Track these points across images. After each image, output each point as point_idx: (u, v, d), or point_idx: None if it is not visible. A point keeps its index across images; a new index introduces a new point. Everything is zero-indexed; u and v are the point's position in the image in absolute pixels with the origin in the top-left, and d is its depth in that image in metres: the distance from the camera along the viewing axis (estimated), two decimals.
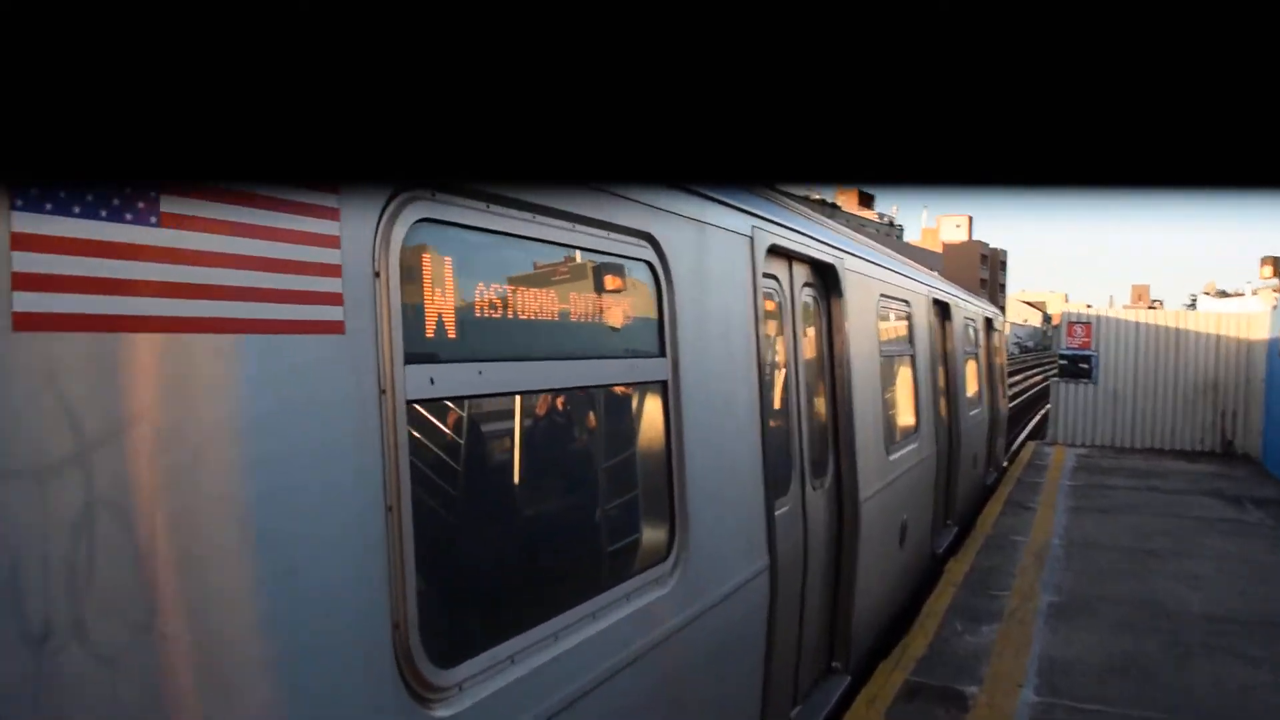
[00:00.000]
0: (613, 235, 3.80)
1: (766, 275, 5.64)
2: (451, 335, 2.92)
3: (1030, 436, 27.77)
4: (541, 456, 3.72)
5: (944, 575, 10.48)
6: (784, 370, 6.20)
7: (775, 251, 5.80)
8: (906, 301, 9.89)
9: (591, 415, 4.01)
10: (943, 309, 12.67)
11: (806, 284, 6.69)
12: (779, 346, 6.13)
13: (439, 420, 3.04)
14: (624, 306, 3.93)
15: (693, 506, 4.27)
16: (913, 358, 10.12)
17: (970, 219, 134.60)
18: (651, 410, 4.20)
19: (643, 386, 4.16)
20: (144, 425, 1.99)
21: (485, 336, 3.11)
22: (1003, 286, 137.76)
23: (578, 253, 3.66)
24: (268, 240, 2.26)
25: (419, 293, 2.82)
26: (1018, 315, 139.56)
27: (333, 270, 2.44)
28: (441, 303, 2.89)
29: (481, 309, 3.08)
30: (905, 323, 9.97)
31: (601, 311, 3.75)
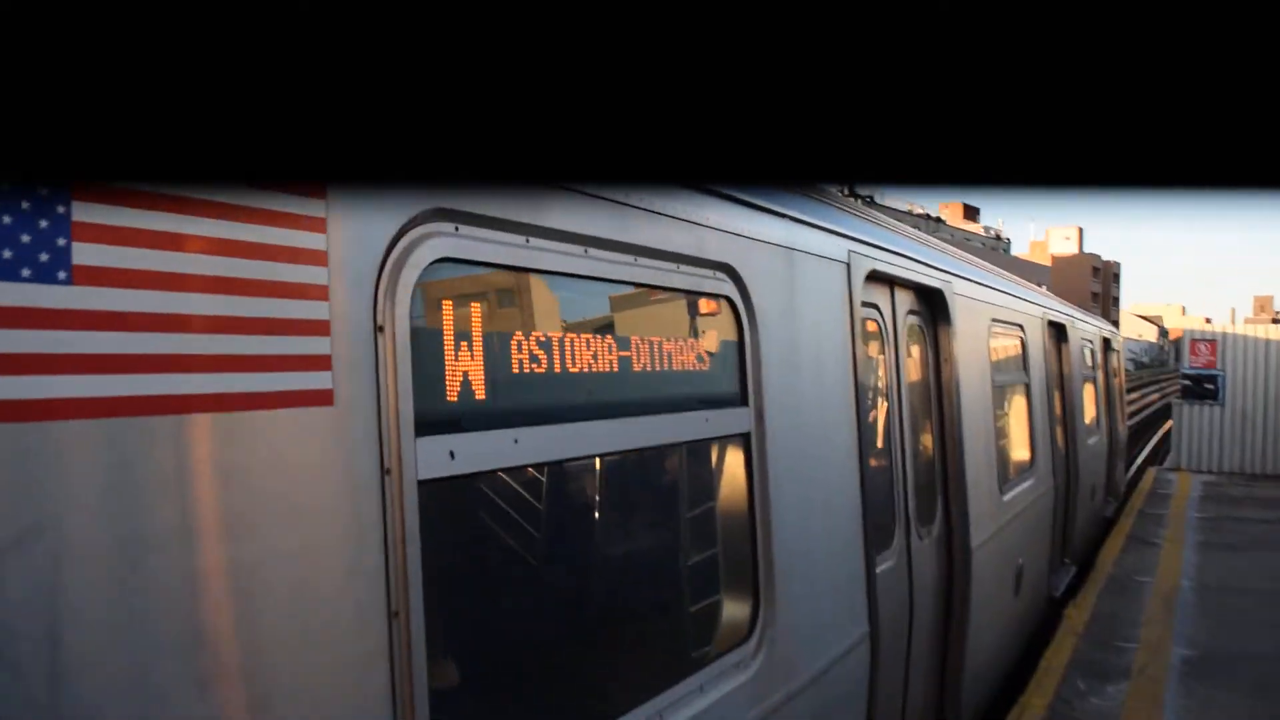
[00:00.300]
0: (684, 268, 3.28)
1: (866, 304, 5.07)
2: (480, 397, 2.43)
3: (1149, 459, 26.37)
4: (594, 534, 3.21)
5: (1063, 623, 9.66)
6: (886, 409, 5.60)
7: (875, 277, 5.22)
8: (1020, 325, 9.16)
9: (656, 479, 3.48)
10: (1058, 331, 11.86)
11: (911, 311, 6.08)
12: (880, 384, 5.53)
13: (463, 499, 2.55)
14: (697, 350, 3.40)
15: (780, 576, 3.71)
16: (1027, 385, 9.37)
17: (1080, 231, 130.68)
18: (731, 467, 3.66)
19: (720, 441, 3.62)
20: (50, 539, 1.54)
21: (523, 396, 2.62)
22: (1116, 300, 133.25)
23: (641, 290, 3.16)
24: (225, 294, 1.80)
25: (436, 348, 2.34)
26: (1132, 330, 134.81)
27: (317, 327, 1.98)
28: (466, 358, 2.41)
29: (519, 363, 2.58)
30: (1018, 348, 9.24)
31: (669, 357, 3.23)
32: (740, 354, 3.64)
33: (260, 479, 1.84)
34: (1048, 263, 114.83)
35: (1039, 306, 10.55)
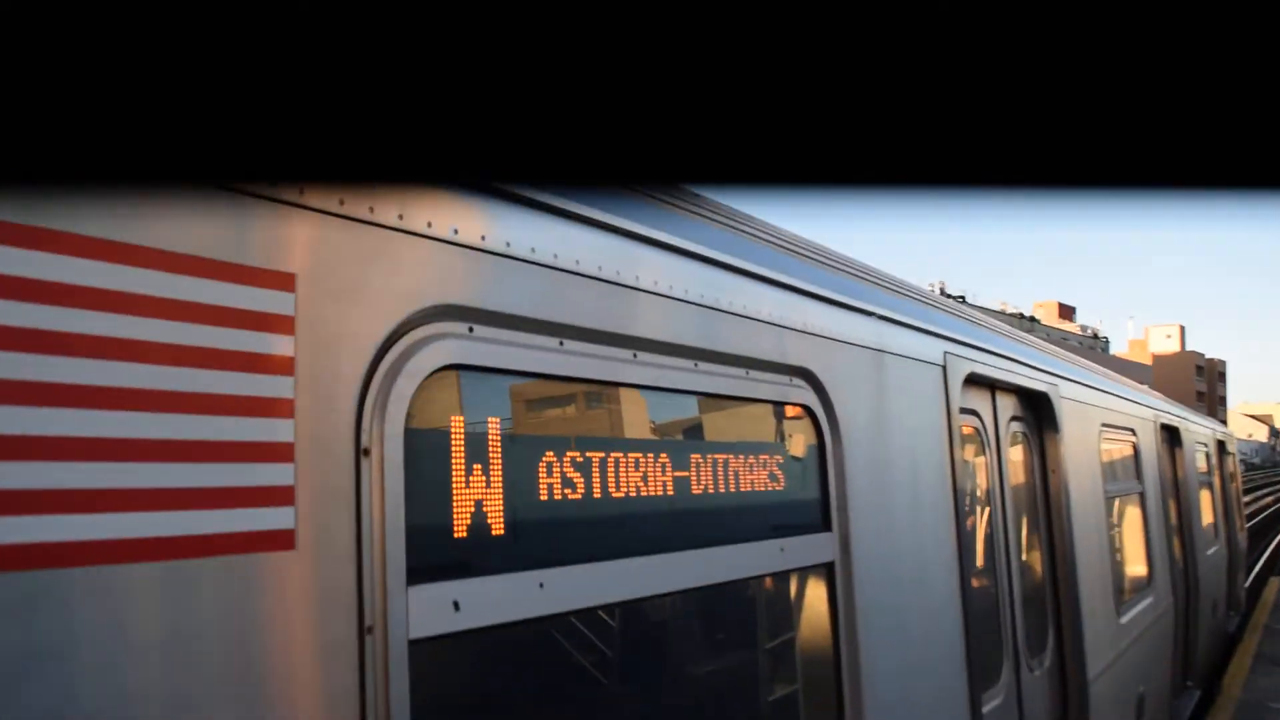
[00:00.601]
0: (755, 374, 2.84)
1: (964, 410, 4.55)
2: (496, 531, 2.00)
3: (1267, 567, 24.76)
4: (642, 698, 2.72)
5: None
6: (989, 526, 5.03)
7: (974, 381, 4.71)
8: (1131, 429, 8.48)
9: (718, 625, 2.98)
10: (1171, 434, 11.07)
11: (1014, 417, 5.53)
12: (982, 498, 4.97)
13: (472, 660, 2.10)
14: (769, 468, 2.94)
15: None
16: (1141, 494, 8.64)
17: (1182, 329, 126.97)
18: (811, 604, 3.15)
19: (798, 573, 3.13)
20: None
21: (553, 529, 2.18)
22: (1223, 399, 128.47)
23: (702, 399, 2.72)
24: (153, 411, 1.41)
25: (441, 472, 1.92)
26: (1241, 430, 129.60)
27: (277, 452, 1.58)
28: (480, 484, 1.98)
29: (549, 488, 2.15)
30: (1130, 453, 8.55)
31: (736, 477, 2.76)
32: (822, 471, 3.16)
33: (186, 646, 1.43)
34: (1148, 361, 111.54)
35: (1150, 409, 9.84)
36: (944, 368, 4.19)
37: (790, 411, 3.08)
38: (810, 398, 3.10)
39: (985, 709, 4.34)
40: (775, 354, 2.92)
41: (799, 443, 3.11)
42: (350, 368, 1.71)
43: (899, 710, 3.41)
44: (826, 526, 3.13)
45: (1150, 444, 9.28)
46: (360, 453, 1.71)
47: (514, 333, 2.04)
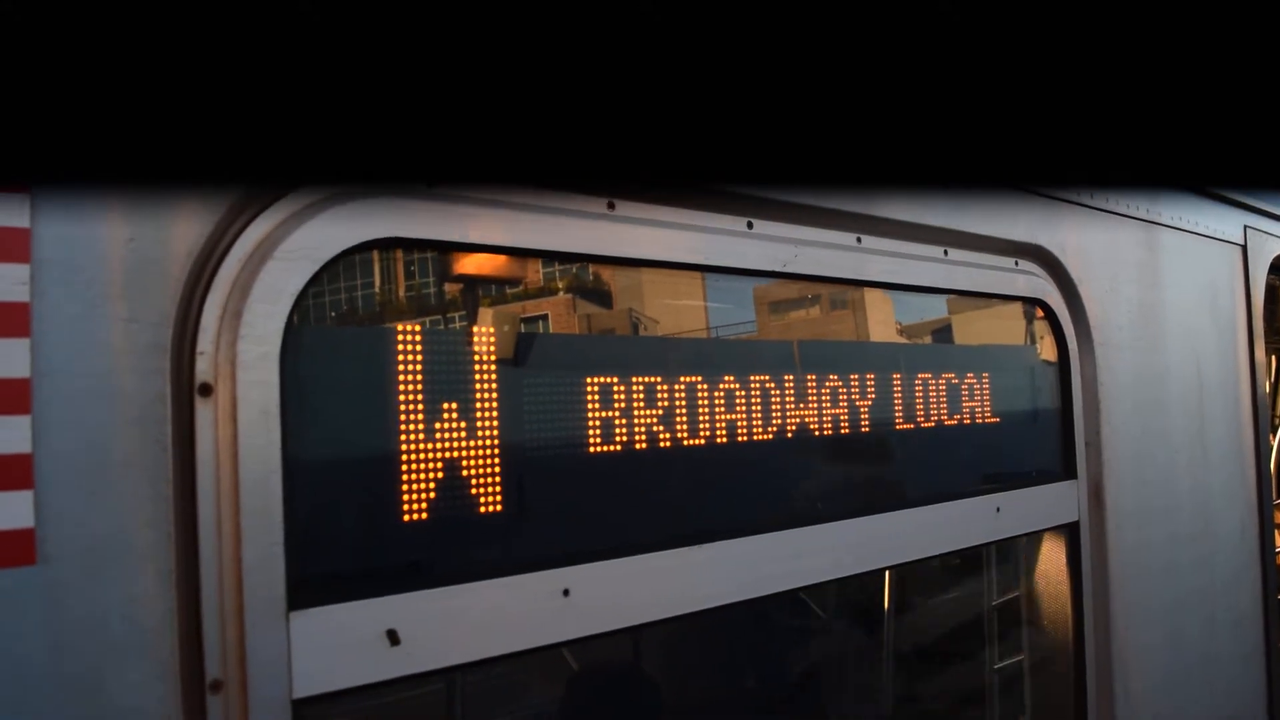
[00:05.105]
0: (957, 254, 1.95)
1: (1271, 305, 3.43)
2: (486, 509, 1.26)
3: None
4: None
5: None
6: None
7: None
8: None
9: (884, 621, 2.13)
10: None
11: None
12: None
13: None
14: (978, 394, 2.04)
15: None
16: None
17: None
18: (1044, 585, 2.26)
19: (1021, 541, 2.23)
20: None
21: (582, 501, 1.41)
22: None
23: (865, 293, 1.86)
24: None
25: (365, 418, 1.19)
26: None
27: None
28: (450, 434, 1.24)
29: (597, 430, 1.38)
30: None
31: (924, 408, 1.89)
32: (1063, 393, 2.24)
33: None
34: None
35: None
36: (1244, 247, 3.08)
37: (1012, 311, 2.17)
38: (1045, 288, 2.17)
39: None
40: (991, 224, 2.02)
41: (1027, 354, 2.20)
42: (168, 244, 1.00)
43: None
44: (1068, 473, 2.21)
45: None
46: (193, 392, 1.00)
47: (518, 192, 1.27)
